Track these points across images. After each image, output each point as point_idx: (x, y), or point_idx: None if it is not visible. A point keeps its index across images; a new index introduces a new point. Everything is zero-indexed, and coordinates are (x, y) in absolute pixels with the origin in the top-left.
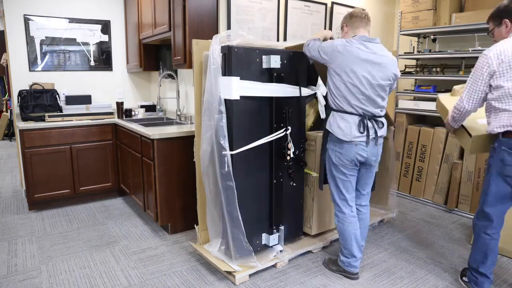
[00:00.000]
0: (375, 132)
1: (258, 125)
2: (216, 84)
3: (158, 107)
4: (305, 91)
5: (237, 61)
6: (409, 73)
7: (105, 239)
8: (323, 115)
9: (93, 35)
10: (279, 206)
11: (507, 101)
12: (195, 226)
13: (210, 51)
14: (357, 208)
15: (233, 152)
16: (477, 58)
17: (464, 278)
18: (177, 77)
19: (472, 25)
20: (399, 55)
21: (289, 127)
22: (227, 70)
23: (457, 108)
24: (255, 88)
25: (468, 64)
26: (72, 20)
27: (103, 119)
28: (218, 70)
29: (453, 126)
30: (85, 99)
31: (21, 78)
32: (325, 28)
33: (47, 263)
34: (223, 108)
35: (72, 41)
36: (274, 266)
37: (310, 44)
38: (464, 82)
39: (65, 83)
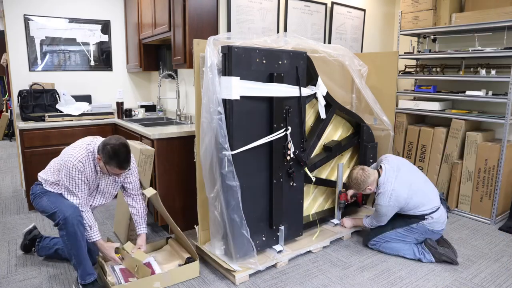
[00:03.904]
0: None
1: (258, 125)
2: (213, 85)
3: (158, 107)
4: (305, 91)
5: (237, 61)
6: (409, 73)
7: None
8: (323, 115)
9: (93, 35)
10: (279, 206)
11: None
12: (195, 226)
13: (206, 52)
14: None
15: (233, 152)
16: (477, 58)
17: None
18: (177, 77)
19: (472, 25)
20: (399, 55)
21: (289, 127)
22: (227, 70)
23: None
24: (255, 88)
25: (468, 64)
26: (72, 20)
27: (103, 119)
28: (213, 72)
29: None
30: (85, 99)
31: (21, 78)
32: (324, 28)
33: (47, 263)
34: (221, 109)
35: (72, 41)
36: (274, 266)
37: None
38: (464, 82)
39: (65, 83)
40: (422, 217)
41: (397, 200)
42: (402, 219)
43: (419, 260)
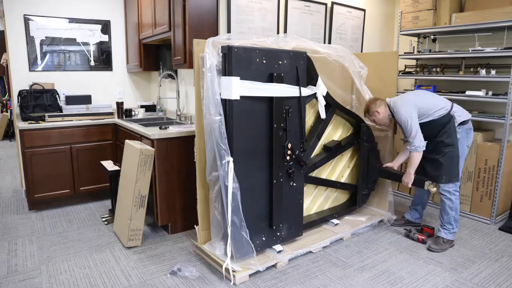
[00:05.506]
0: None
1: (258, 125)
2: (212, 86)
3: (158, 107)
4: (305, 91)
5: (237, 61)
6: (409, 73)
7: (105, 239)
8: (323, 115)
9: (93, 35)
10: (279, 206)
11: None
12: (195, 226)
13: (205, 53)
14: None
15: (233, 152)
16: (477, 58)
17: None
18: (177, 77)
19: (472, 25)
20: (399, 55)
21: (289, 127)
22: (227, 70)
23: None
24: (255, 88)
25: (468, 64)
26: (72, 20)
27: (103, 119)
28: (213, 73)
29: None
30: (85, 99)
31: (21, 78)
32: (324, 28)
33: (47, 263)
34: (221, 110)
35: (72, 41)
36: (274, 266)
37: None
38: (464, 82)
39: (65, 83)
40: (448, 118)
41: (407, 99)
42: (439, 144)
43: (446, 228)
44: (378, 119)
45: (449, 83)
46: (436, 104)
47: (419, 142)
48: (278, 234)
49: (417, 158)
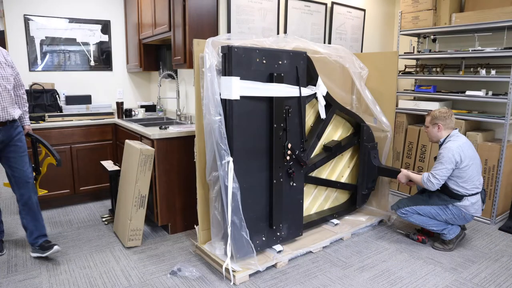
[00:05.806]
0: None
1: (258, 125)
2: (212, 86)
3: (158, 107)
4: (305, 91)
5: (237, 61)
6: (409, 73)
7: (105, 239)
8: (323, 115)
9: (93, 35)
10: (279, 206)
11: None
12: (195, 226)
13: (205, 53)
14: None
15: (233, 153)
16: (477, 58)
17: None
18: (177, 77)
19: (472, 25)
20: (399, 55)
21: (289, 127)
22: (227, 70)
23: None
24: (255, 88)
25: (468, 64)
26: (72, 20)
27: (103, 119)
28: (213, 73)
29: None
30: (85, 99)
31: (21, 78)
32: (324, 28)
33: (47, 263)
34: (220, 110)
35: (72, 41)
36: (274, 266)
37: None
38: (464, 82)
39: (65, 83)
40: (460, 198)
41: (462, 150)
42: (440, 198)
43: (443, 233)
44: (432, 131)
45: (449, 83)
46: (472, 179)
47: (434, 182)
48: (278, 234)
49: (421, 184)
